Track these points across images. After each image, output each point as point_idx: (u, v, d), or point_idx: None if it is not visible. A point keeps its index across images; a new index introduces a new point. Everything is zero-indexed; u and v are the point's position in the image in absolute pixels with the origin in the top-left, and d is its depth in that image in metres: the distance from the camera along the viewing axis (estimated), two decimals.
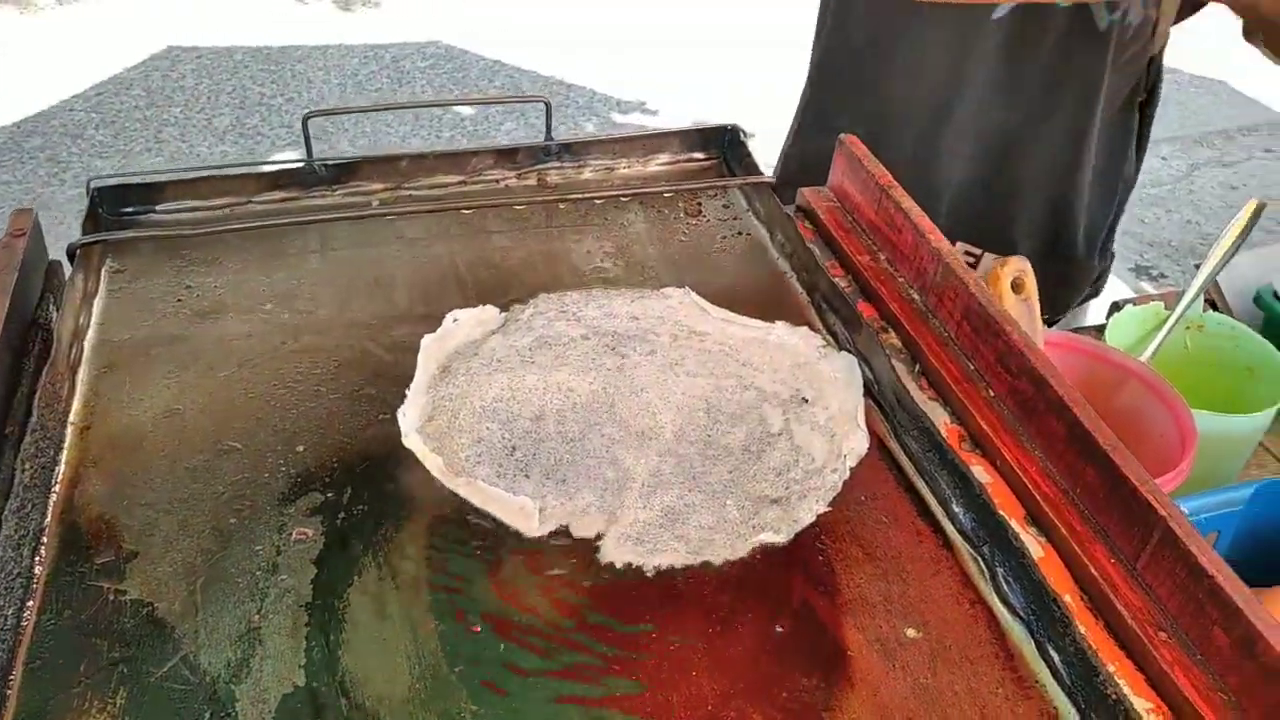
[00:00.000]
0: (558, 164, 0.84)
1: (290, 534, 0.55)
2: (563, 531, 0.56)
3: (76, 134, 3.26)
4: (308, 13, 4.11)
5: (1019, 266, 0.78)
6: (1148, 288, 2.71)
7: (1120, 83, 1.02)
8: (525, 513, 0.56)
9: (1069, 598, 0.52)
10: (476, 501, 0.57)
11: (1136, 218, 2.99)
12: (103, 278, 0.71)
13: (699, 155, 0.87)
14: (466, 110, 3.41)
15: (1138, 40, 0.98)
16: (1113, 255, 1.18)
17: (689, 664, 0.50)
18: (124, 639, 0.50)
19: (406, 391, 0.62)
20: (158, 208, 0.76)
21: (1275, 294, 1.02)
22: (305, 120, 0.77)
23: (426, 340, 0.66)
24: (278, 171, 0.76)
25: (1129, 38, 0.97)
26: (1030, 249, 1.05)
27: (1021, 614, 0.52)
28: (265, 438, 0.60)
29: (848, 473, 0.60)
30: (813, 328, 0.70)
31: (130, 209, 0.76)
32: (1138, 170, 1.14)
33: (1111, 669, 0.48)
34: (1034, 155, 1.04)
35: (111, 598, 0.51)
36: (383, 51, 3.85)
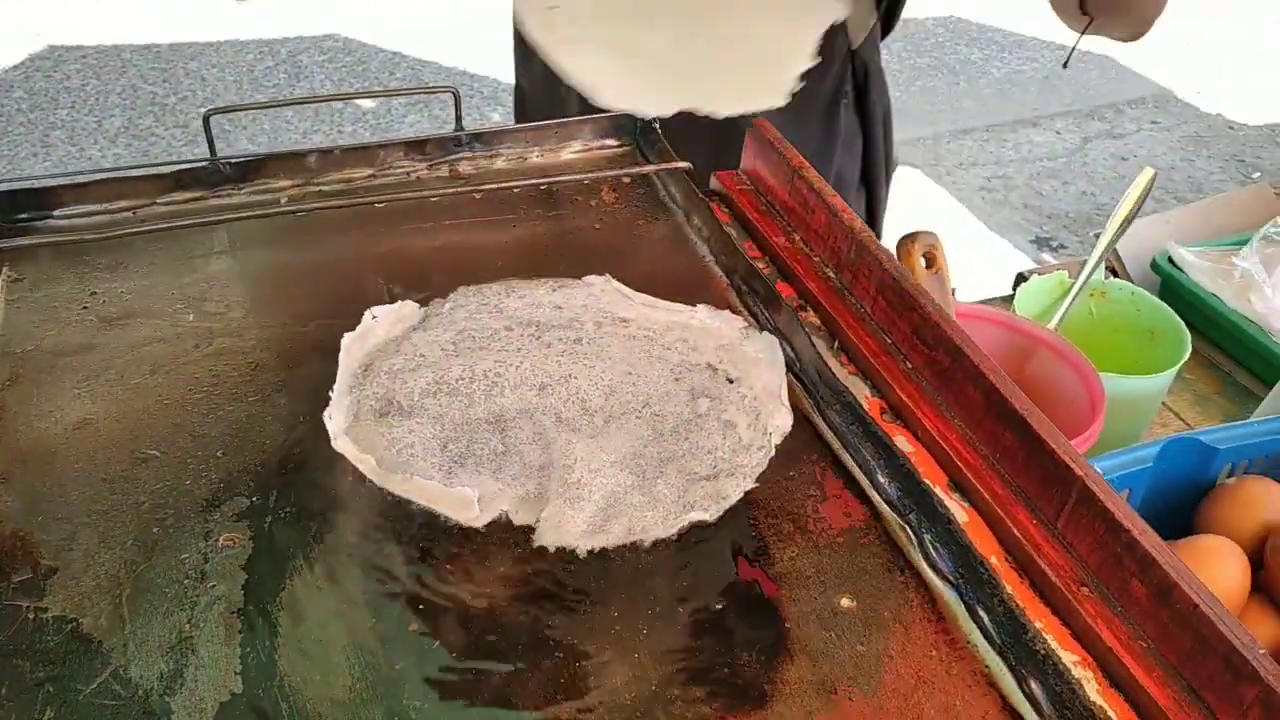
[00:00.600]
0: (469, 154, 0.83)
1: (217, 540, 0.53)
2: (500, 522, 0.55)
3: None
4: (198, 7, 3.99)
5: (929, 241, 0.80)
6: (1048, 258, 2.80)
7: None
8: (465, 502, 0.55)
9: (994, 559, 0.53)
10: (415, 497, 0.56)
11: (1034, 190, 3.08)
12: (0, 287, 0.68)
13: (611, 142, 0.88)
14: (368, 104, 3.35)
15: None
16: None
17: (630, 645, 0.50)
18: (48, 657, 0.48)
19: (330, 393, 0.61)
20: (55, 213, 0.73)
21: (1170, 259, 1.06)
22: (206, 118, 0.74)
23: (346, 339, 0.65)
24: (180, 171, 0.74)
25: None
26: None
27: (950, 578, 0.54)
28: (184, 444, 0.58)
29: (773, 450, 0.61)
30: (734, 310, 0.71)
31: (25, 215, 0.73)
32: (886, 173, 1.13)
33: (1039, 625, 0.50)
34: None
35: (31, 616, 0.50)
36: (278, 46, 3.76)
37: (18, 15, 3.86)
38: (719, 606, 0.52)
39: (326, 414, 0.60)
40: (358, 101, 3.39)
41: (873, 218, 1.16)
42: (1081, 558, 0.52)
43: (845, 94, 1.04)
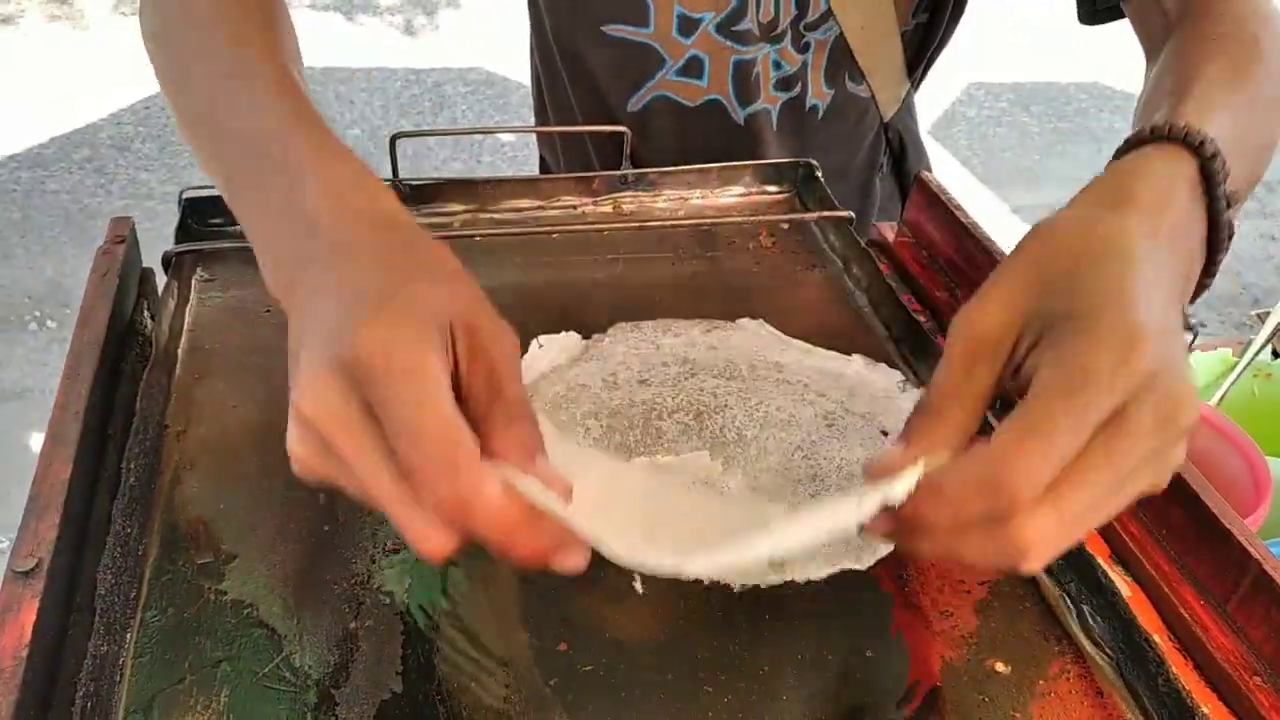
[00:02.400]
0: (633, 193, 0.86)
1: (385, 544, 0.56)
2: None
3: (124, 146, 3.30)
4: (352, 33, 4.17)
5: None
6: (1187, 337, 2.70)
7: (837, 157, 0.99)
8: None
9: (1158, 638, 0.52)
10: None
11: None
12: (193, 286, 0.73)
13: (771, 188, 0.89)
14: (507, 137, 3.45)
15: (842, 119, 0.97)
16: None
17: (777, 688, 0.50)
18: (226, 638, 0.50)
19: None
20: None
21: None
22: (393, 140, 0.78)
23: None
24: None
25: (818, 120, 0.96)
26: None
27: (1109, 651, 0.53)
28: None
29: None
30: (890, 363, 0.71)
31: (218, 220, 0.77)
32: None
33: (1206, 710, 0.48)
34: None
35: (212, 598, 0.52)
36: (425, 76, 3.90)
37: None
38: (868, 655, 0.52)
39: None
40: (498, 135, 3.48)
41: None
42: (1254, 645, 0.50)
43: (880, 165, 1.04)
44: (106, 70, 3.75)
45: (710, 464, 0.60)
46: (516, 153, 3.38)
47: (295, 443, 0.39)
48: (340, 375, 0.36)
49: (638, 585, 0.52)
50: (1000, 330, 0.40)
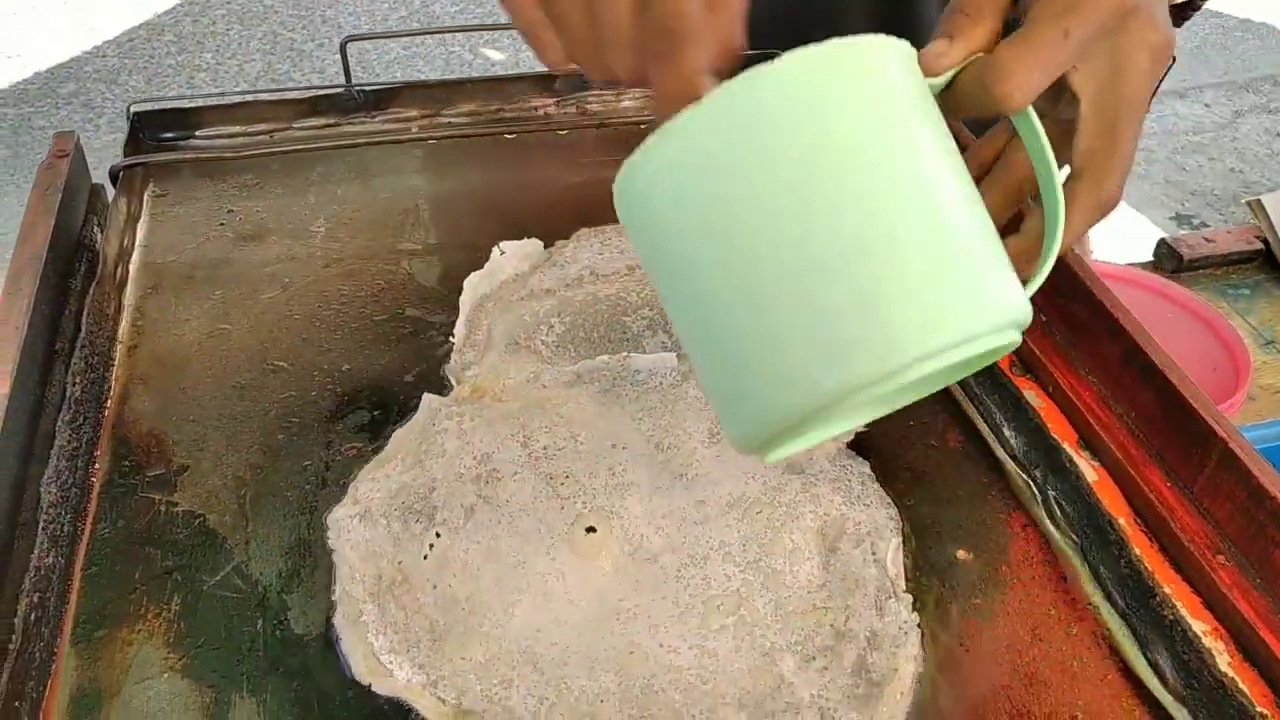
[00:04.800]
0: (597, 92, 0.83)
1: (340, 449, 0.55)
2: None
3: (110, 79, 3.25)
4: None
5: None
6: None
7: None
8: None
9: (1123, 521, 0.51)
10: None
11: (1177, 165, 2.93)
12: (145, 201, 0.71)
13: None
14: (497, 56, 3.38)
15: None
16: None
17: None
18: (176, 548, 0.50)
19: (453, 332, 0.62)
20: (197, 133, 0.75)
21: None
22: (344, 45, 0.76)
23: (472, 277, 0.65)
24: (316, 97, 0.76)
25: None
26: None
27: (1074, 537, 0.52)
28: (311, 357, 0.60)
29: None
30: None
31: (170, 134, 0.75)
32: None
33: (1168, 590, 0.48)
34: None
35: (163, 509, 0.52)
36: None
37: None
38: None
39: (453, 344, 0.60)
40: (487, 53, 3.42)
41: None
42: (1219, 524, 0.49)
43: None
44: (87, 3, 3.68)
45: (677, 365, 0.59)
46: (507, 73, 3.31)
47: None
48: None
49: None
50: None
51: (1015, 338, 0.37)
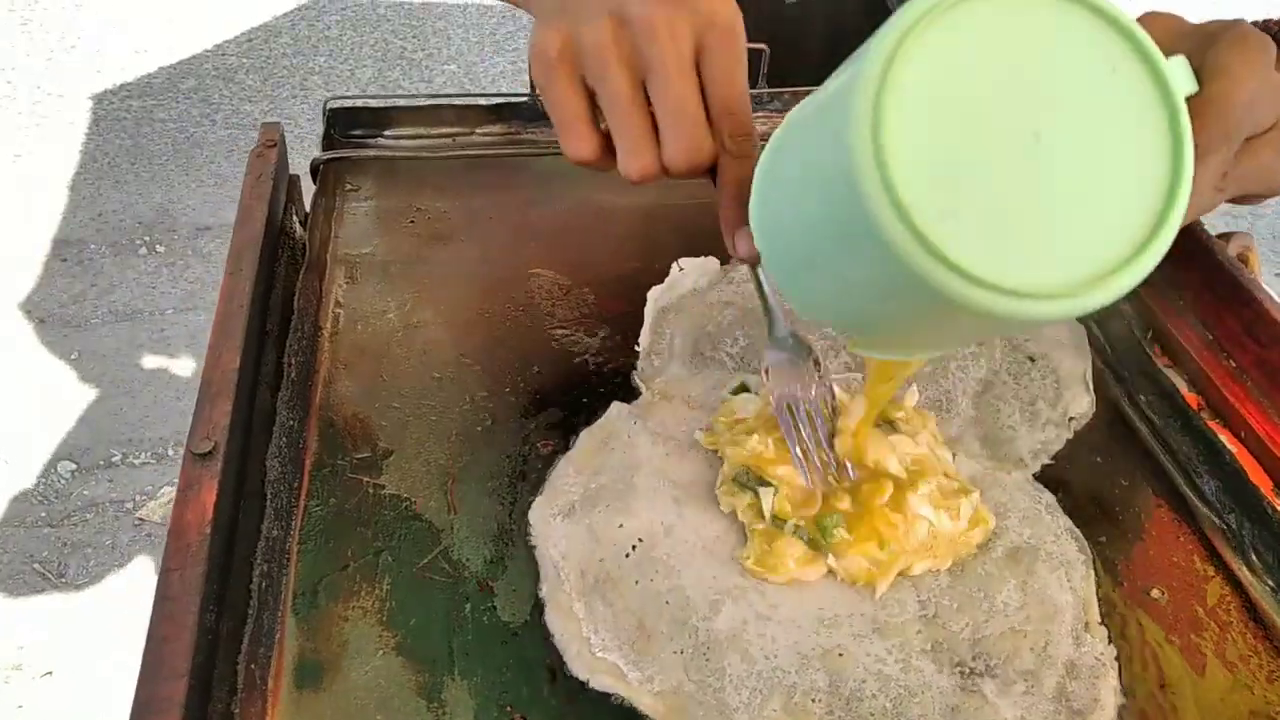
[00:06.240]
0: (766, 114, 0.84)
1: (535, 444, 0.56)
2: None
3: (228, 77, 3.36)
4: None
5: (1244, 242, 0.75)
6: None
7: None
8: None
9: None
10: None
11: None
12: (338, 195, 0.74)
13: None
14: None
15: None
16: None
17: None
18: (386, 530, 0.52)
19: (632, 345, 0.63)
20: (385, 133, 0.78)
21: None
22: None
23: (654, 291, 0.66)
24: (501, 104, 0.78)
25: None
26: None
27: (1274, 584, 0.51)
28: (503, 355, 0.62)
29: (1070, 433, 0.59)
30: None
31: (359, 132, 0.78)
32: None
33: None
34: None
35: (371, 491, 0.54)
36: (521, 14, 3.88)
37: None
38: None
39: (639, 356, 0.62)
40: None
41: None
42: None
43: None
44: (212, 2, 3.80)
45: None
46: None
47: (550, 44, 0.47)
48: (622, 23, 0.46)
49: None
50: None
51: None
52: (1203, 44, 0.43)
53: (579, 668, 0.46)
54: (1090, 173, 0.34)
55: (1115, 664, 0.47)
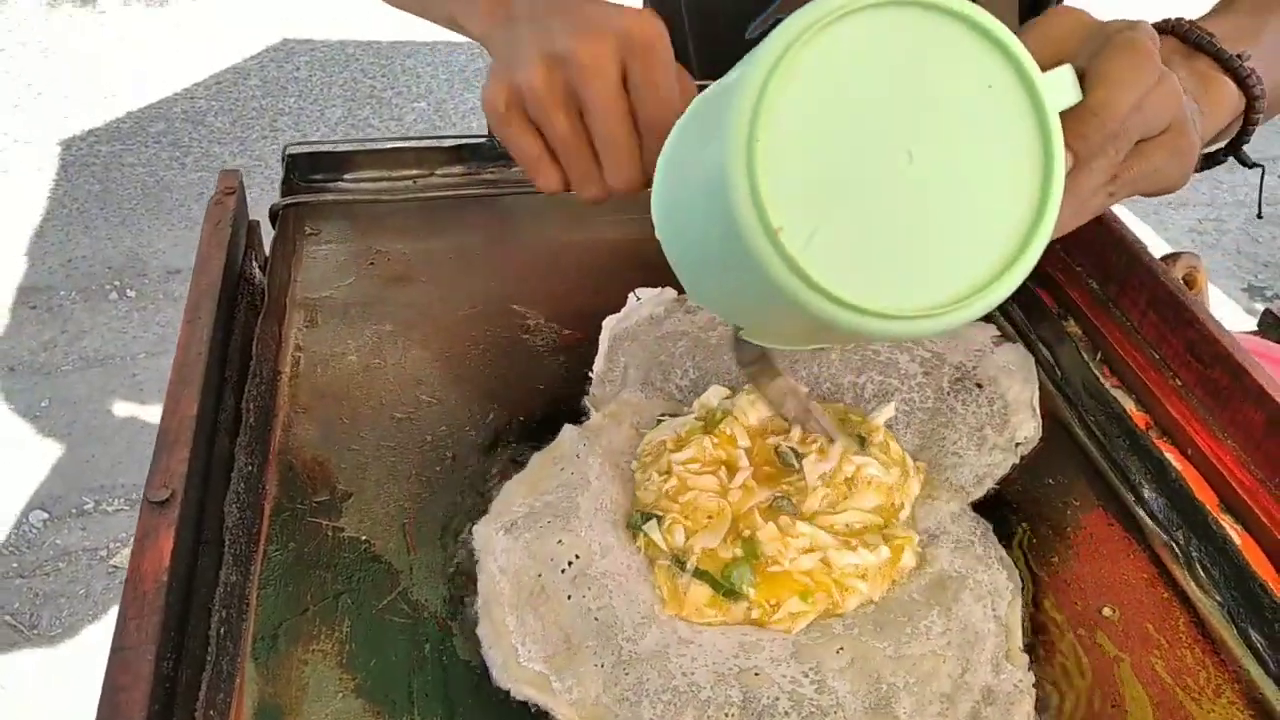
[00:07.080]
0: None
1: (494, 479, 0.57)
2: None
3: (197, 120, 3.36)
4: None
5: (1190, 262, 0.77)
6: (1259, 308, 2.63)
7: None
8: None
9: (1272, 584, 0.51)
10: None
11: (1250, 236, 2.91)
12: (297, 240, 0.74)
13: None
14: None
15: None
16: None
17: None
18: (345, 572, 0.52)
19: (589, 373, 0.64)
20: (345, 176, 0.79)
21: None
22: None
23: (609, 321, 0.67)
24: (460, 145, 0.79)
25: None
26: None
27: (1221, 599, 0.52)
28: (463, 393, 0.62)
29: (1016, 458, 0.60)
30: (986, 317, 0.70)
31: (319, 176, 0.79)
32: None
33: None
34: None
35: (330, 534, 0.54)
36: None
37: (257, 7, 4.14)
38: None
39: (592, 381, 0.63)
40: None
41: None
42: None
43: None
44: (180, 46, 3.82)
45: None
46: None
47: (498, 99, 0.52)
48: (553, 64, 0.50)
49: None
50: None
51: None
52: (1101, 46, 0.43)
53: (503, 678, 0.46)
54: (962, 191, 0.35)
55: (1033, 691, 0.48)
